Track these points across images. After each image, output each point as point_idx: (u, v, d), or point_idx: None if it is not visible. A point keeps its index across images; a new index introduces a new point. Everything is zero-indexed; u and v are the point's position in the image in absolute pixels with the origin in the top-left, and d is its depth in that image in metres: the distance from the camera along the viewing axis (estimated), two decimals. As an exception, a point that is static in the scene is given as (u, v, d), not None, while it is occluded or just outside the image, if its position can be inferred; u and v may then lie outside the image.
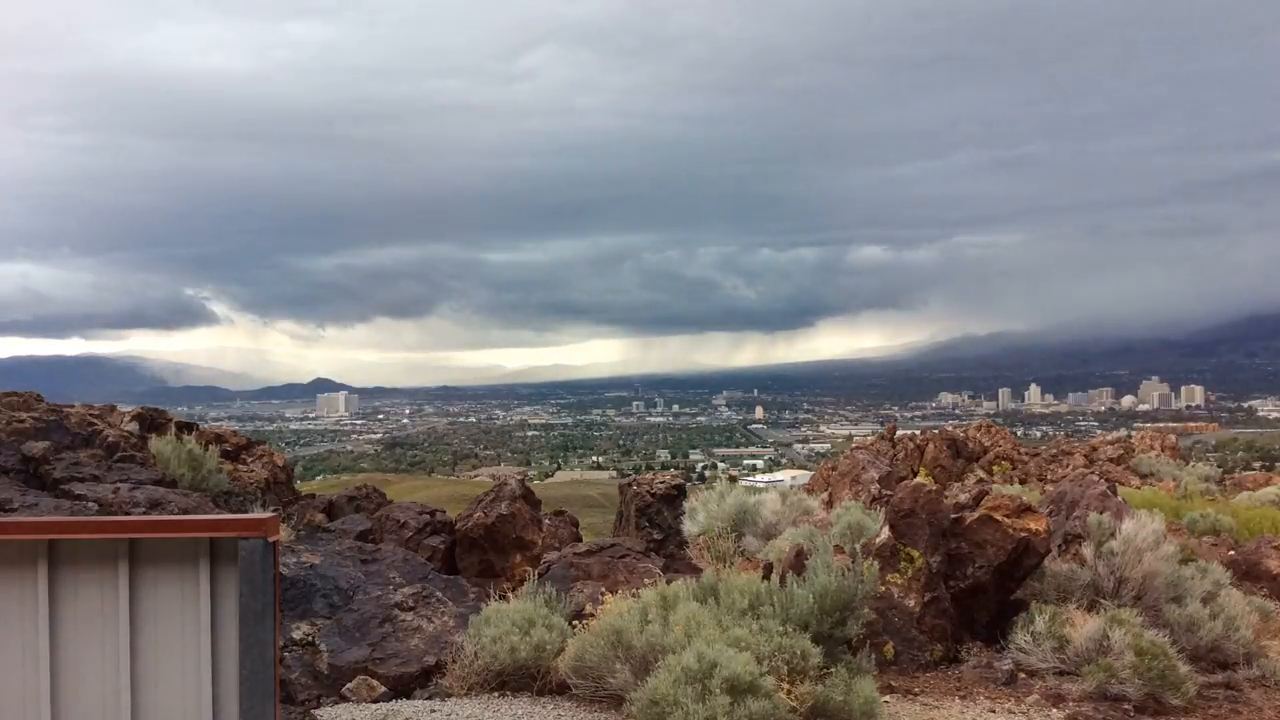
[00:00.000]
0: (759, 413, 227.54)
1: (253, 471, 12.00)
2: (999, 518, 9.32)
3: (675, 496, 12.89)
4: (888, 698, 7.79)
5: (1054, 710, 7.71)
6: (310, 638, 8.27)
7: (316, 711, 7.54)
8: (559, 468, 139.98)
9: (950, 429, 30.21)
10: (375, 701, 7.77)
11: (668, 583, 8.49)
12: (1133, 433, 36.02)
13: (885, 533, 9.39)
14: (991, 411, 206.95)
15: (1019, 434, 61.89)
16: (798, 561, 8.47)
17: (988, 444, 26.55)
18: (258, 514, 5.02)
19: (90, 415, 11.27)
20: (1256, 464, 54.78)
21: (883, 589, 8.79)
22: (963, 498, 10.48)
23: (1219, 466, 30.15)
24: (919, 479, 18.23)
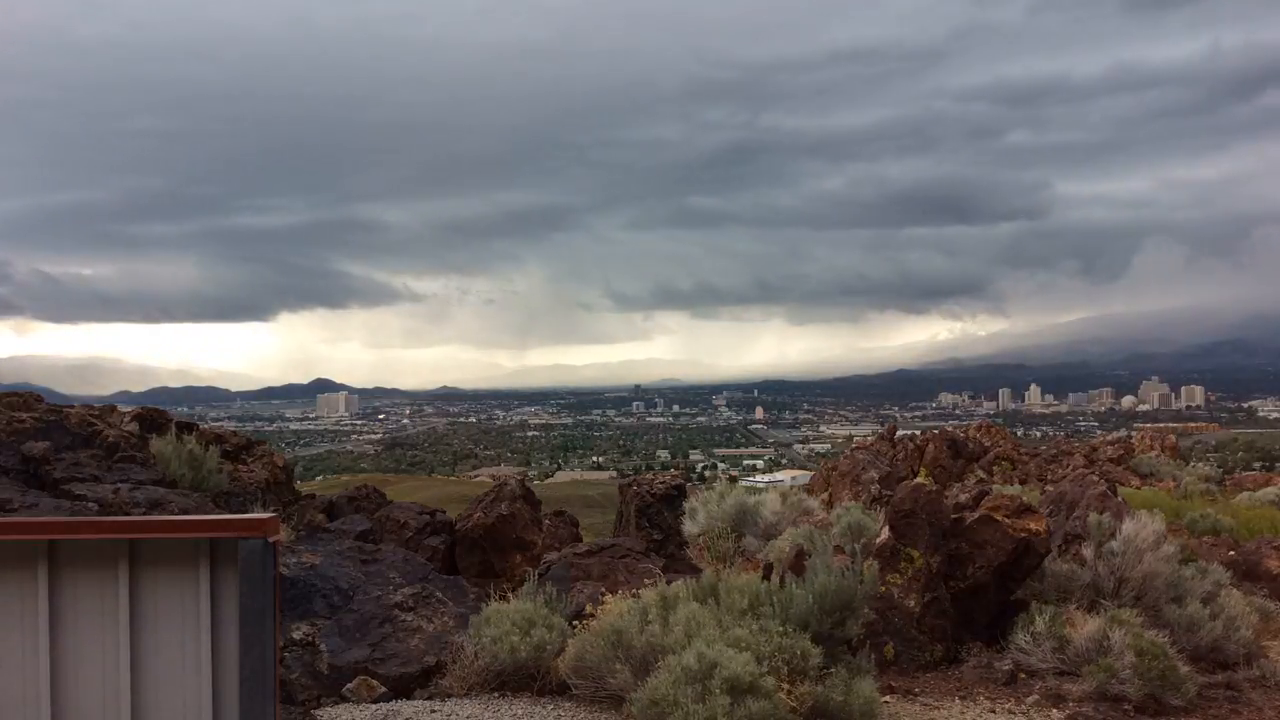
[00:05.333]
0: (759, 413, 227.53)
1: (253, 472, 11.99)
2: (999, 518, 9.32)
3: (675, 497, 12.88)
4: (888, 698, 7.79)
5: (1054, 710, 7.70)
6: (310, 638, 8.27)
7: (316, 711, 7.54)
8: (559, 468, 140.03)
9: (950, 429, 30.23)
10: (375, 702, 7.77)
11: (668, 583, 8.49)
12: (1133, 433, 36.07)
13: (885, 533, 9.39)
14: (991, 411, 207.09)
15: (1019, 434, 62.01)
16: (798, 562, 8.48)
17: (988, 444, 26.55)
18: (258, 514, 5.02)
19: (90, 415, 11.27)
20: (1256, 464, 54.89)
21: (883, 589, 8.78)
22: (963, 498, 10.49)
23: (1219, 467, 30.19)
24: (919, 479, 18.24)
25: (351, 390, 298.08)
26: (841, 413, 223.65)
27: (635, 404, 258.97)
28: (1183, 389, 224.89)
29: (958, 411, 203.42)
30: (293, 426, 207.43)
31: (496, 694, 7.87)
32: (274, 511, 9.34)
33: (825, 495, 19.75)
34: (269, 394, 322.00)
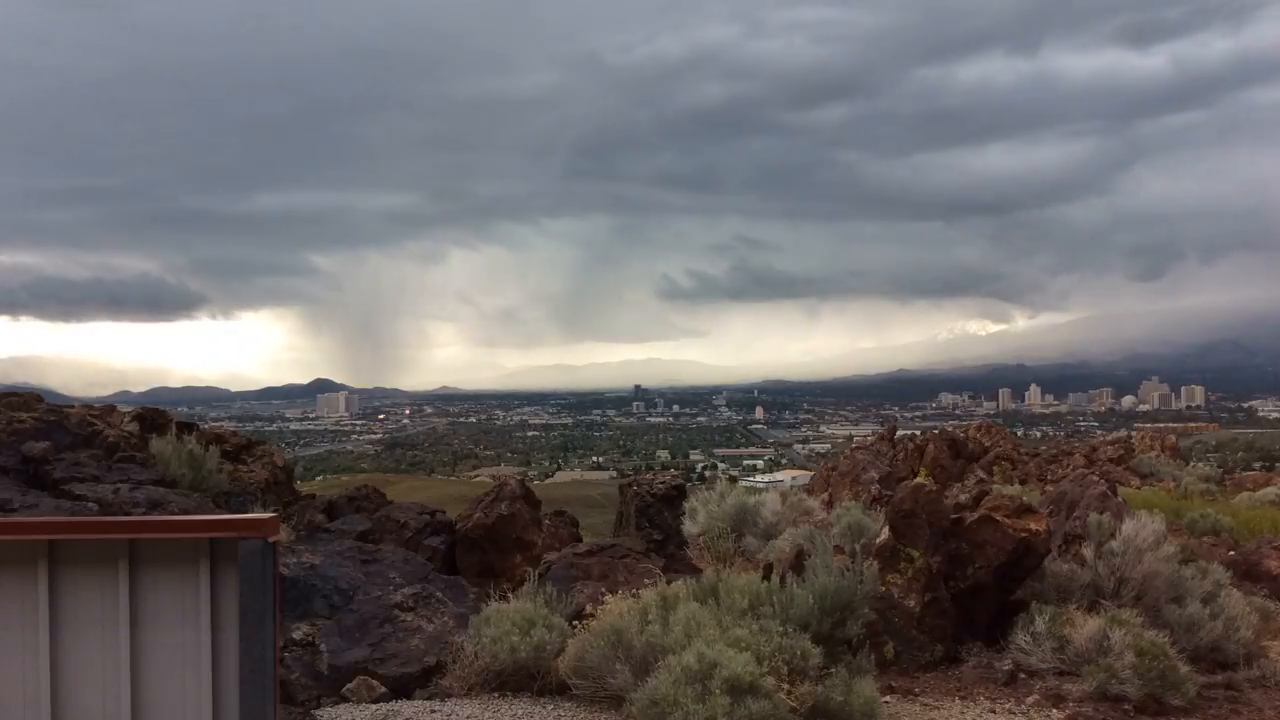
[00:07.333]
0: (759, 413, 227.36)
1: (253, 472, 12.00)
2: (999, 518, 9.32)
3: (675, 497, 12.88)
4: (888, 698, 7.79)
5: (1054, 710, 7.70)
6: (310, 638, 8.27)
7: (316, 712, 7.54)
8: (559, 468, 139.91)
9: (950, 429, 30.22)
10: (375, 702, 7.77)
11: (668, 583, 8.50)
12: (1133, 433, 36.07)
13: (885, 533, 9.39)
14: (991, 411, 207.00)
15: (1019, 434, 61.93)
16: (798, 562, 8.48)
17: (988, 444, 26.54)
18: (258, 514, 5.02)
19: (90, 416, 11.27)
20: (1256, 464, 54.78)
21: (883, 589, 8.79)
22: (963, 498, 10.49)
23: (1219, 467, 30.16)
24: (919, 479, 18.23)
25: (351, 390, 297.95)
26: (841, 413, 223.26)
27: (635, 404, 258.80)
28: (1183, 389, 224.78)
29: (958, 411, 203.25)
30: (293, 426, 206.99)
31: (496, 694, 7.87)
32: (274, 511, 9.34)
33: (825, 495, 19.73)
34: (269, 394, 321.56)
